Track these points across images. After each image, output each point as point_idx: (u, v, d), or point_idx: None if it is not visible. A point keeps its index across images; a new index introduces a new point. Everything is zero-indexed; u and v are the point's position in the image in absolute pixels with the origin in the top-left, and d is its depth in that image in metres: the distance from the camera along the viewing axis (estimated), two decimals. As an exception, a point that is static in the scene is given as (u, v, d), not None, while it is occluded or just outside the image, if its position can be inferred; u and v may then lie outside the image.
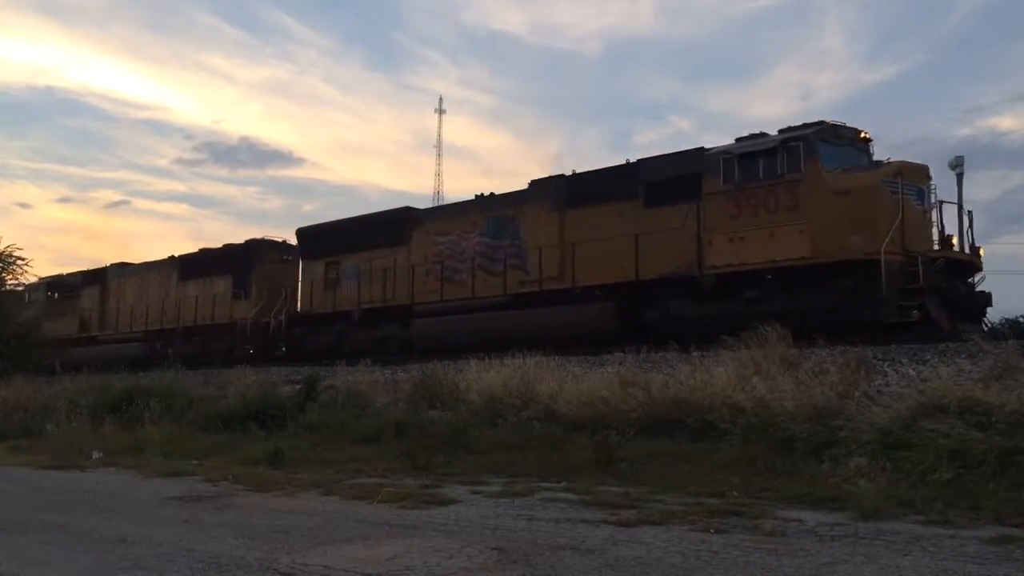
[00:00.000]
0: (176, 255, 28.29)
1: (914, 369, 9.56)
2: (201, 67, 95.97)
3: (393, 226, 20.99)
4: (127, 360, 23.74)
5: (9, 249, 28.72)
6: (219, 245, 26.95)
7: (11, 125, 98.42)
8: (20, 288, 31.25)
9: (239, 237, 31.45)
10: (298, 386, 14.44)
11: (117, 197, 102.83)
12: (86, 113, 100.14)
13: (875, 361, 10.01)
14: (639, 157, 16.94)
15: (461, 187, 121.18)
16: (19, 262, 28.90)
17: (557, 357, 13.07)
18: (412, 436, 10.50)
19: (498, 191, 20.08)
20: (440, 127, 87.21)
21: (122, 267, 30.13)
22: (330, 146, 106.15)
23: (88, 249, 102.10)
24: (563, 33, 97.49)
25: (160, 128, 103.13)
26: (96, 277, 30.52)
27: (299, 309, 23.24)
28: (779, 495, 6.78)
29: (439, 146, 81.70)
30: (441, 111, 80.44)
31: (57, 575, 5.20)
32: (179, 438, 13.00)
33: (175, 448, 12.26)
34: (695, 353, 11.53)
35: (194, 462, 11.06)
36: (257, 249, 25.50)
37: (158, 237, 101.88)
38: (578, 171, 18.08)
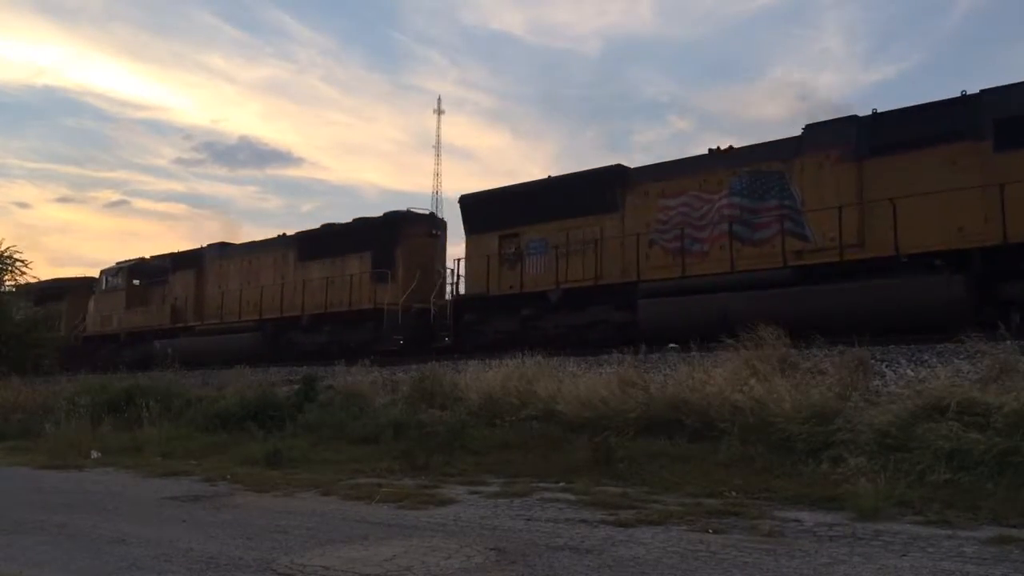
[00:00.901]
0: (288, 233, 24.60)
1: (912, 370, 9.57)
2: (200, 67, 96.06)
3: (596, 189, 17.31)
4: (236, 353, 21.31)
5: (9, 251, 28.68)
6: (346, 220, 22.93)
7: (10, 125, 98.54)
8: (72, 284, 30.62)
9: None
10: (296, 386, 14.43)
11: (116, 197, 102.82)
12: (85, 113, 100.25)
13: (873, 362, 10.01)
14: (982, 88, 13.00)
15: (461, 187, 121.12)
16: (19, 264, 28.87)
17: (555, 357, 13.09)
18: (411, 436, 10.50)
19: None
20: (439, 127, 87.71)
21: (222, 248, 26.39)
22: (329, 146, 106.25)
23: (88, 249, 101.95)
24: (562, 33, 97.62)
25: (159, 128, 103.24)
26: (190, 260, 26.64)
27: (464, 291, 19.30)
28: (777, 495, 6.79)
29: (438, 146, 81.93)
30: (440, 111, 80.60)
31: (55, 575, 5.19)
32: (178, 438, 12.99)
33: (173, 448, 12.25)
34: (694, 353, 11.52)
35: (192, 462, 11.05)
36: (400, 223, 21.39)
37: (157, 237, 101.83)
38: (879, 110, 14.28)
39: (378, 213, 22.45)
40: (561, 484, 7.88)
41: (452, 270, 20.04)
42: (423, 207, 22.58)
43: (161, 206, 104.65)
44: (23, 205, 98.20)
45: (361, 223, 22.27)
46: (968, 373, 8.70)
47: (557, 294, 17.10)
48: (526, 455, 9.34)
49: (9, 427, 16.66)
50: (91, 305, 29.11)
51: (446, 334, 18.98)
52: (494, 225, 18.68)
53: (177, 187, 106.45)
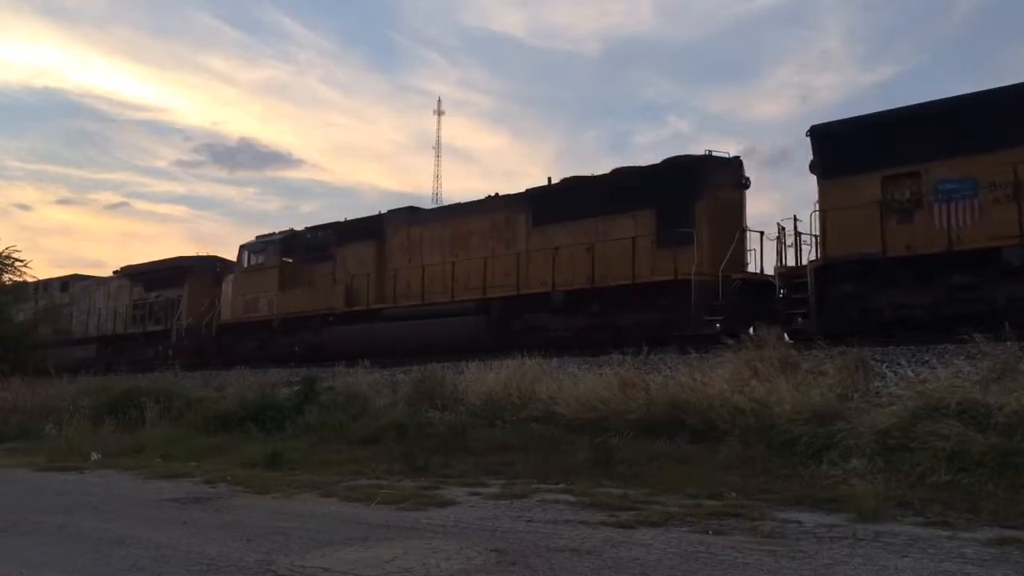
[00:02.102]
0: (500, 192, 19.83)
1: (913, 370, 9.57)
2: (200, 68, 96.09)
3: None
4: (446, 342, 17.17)
5: (8, 251, 28.69)
6: (600, 172, 17.98)
7: (9, 126, 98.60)
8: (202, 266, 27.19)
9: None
10: (296, 387, 14.43)
11: (116, 199, 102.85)
12: (85, 114, 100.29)
13: (874, 362, 10.02)
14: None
15: (461, 188, 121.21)
16: (17, 264, 28.87)
17: (556, 358, 13.08)
18: (411, 437, 10.50)
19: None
20: (439, 128, 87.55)
21: (411, 213, 21.62)
22: (329, 147, 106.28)
23: (89, 251, 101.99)
24: (562, 34, 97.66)
25: (159, 129, 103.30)
26: (365, 230, 21.87)
27: (823, 254, 14.04)
28: (778, 496, 6.79)
29: (438, 147, 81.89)
30: (440, 112, 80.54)
31: (55, 577, 5.19)
32: (178, 439, 12.99)
33: (174, 450, 12.25)
34: (693, 354, 11.52)
35: (192, 464, 11.05)
36: (699, 169, 16.25)
37: (157, 238, 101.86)
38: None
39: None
40: (561, 485, 7.88)
41: (784, 228, 15.10)
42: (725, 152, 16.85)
43: (161, 208, 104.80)
44: (23, 207, 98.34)
45: (631, 173, 17.12)
46: (969, 374, 8.69)
47: (1019, 254, 11.92)
48: (526, 456, 9.34)
49: (9, 428, 16.66)
50: (227, 288, 24.76)
51: (799, 312, 14.12)
52: (876, 162, 13.47)
53: (177, 189, 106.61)
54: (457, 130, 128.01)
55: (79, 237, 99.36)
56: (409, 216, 21.35)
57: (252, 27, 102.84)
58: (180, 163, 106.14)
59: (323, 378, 14.85)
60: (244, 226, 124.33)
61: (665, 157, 16.71)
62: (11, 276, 28.86)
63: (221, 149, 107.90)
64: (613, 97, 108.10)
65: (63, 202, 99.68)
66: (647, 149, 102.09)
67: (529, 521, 6.36)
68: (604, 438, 8.97)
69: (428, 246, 20.38)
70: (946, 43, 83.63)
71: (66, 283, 32.15)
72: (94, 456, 12.36)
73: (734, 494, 6.96)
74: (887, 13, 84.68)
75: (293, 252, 23.72)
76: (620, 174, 17.35)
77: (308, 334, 21.91)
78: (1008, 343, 9.22)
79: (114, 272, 30.61)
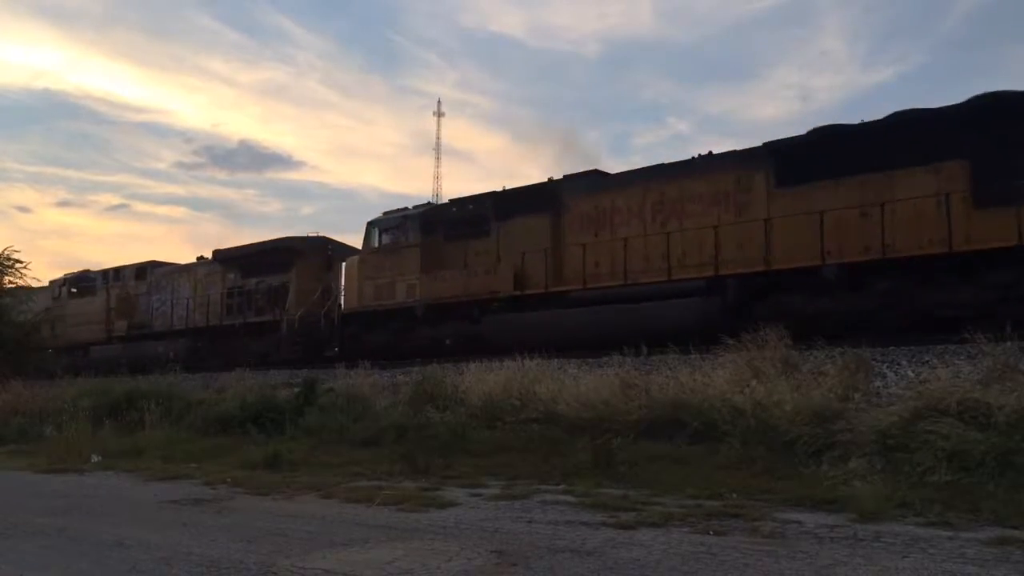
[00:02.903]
0: (738, 148, 16.12)
1: (913, 370, 9.57)
2: (200, 70, 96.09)
3: None
4: (667, 331, 13.29)
5: (7, 252, 28.68)
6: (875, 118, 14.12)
7: (9, 128, 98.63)
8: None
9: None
10: (297, 389, 14.43)
11: (116, 201, 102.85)
12: (85, 116, 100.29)
13: (874, 363, 10.02)
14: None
15: (461, 190, 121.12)
16: (17, 265, 28.85)
17: (555, 359, 13.07)
18: (411, 439, 10.50)
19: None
20: (439, 130, 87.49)
21: (597, 178, 17.92)
22: (329, 149, 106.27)
23: (89, 253, 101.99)
24: (562, 35, 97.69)
25: (159, 131, 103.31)
26: (536, 200, 17.95)
27: None
28: (778, 497, 6.79)
29: (438, 149, 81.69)
30: (440, 114, 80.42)
31: (55, 579, 5.19)
32: (178, 441, 13.00)
33: (174, 451, 12.25)
34: (695, 355, 11.52)
35: (193, 465, 11.05)
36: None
37: (157, 240, 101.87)
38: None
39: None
40: (562, 486, 7.88)
41: None
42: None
43: (161, 209, 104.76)
44: (23, 209, 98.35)
45: (925, 117, 13.46)
46: (969, 374, 8.69)
47: None
48: (527, 457, 9.34)
49: (9, 430, 16.67)
50: (351, 271, 21.45)
51: None
52: None
53: (177, 190, 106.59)
54: (457, 131, 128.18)
55: (79, 239, 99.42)
56: (594, 182, 17.52)
57: (252, 29, 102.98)
58: (180, 165, 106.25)
59: (323, 380, 14.85)
60: (244, 228, 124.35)
61: (974, 95, 13.13)
62: (11, 278, 28.85)
63: (221, 151, 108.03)
64: (613, 98, 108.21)
65: (63, 204, 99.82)
66: (647, 150, 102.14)
67: (530, 522, 6.36)
68: (605, 439, 8.97)
69: (623, 216, 16.59)
70: (946, 44, 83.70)
71: (143, 270, 28.55)
72: (94, 458, 12.35)
73: (735, 495, 6.96)
74: (887, 13, 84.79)
75: (435, 228, 19.76)
76: (907, 118, 13.66)
77: (462, 324, 18.22)
78: (1009, 343, 9.22)
79: (198, 258, 27.11)
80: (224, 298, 24.70)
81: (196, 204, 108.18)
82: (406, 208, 20.91)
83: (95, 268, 31.66)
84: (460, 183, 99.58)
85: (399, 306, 19.71)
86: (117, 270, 29.30)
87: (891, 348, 10.81)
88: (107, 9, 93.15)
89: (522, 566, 4.90)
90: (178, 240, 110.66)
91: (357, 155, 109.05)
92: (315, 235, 24.40)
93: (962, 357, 9.61)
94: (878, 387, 9.18)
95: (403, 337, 19.36)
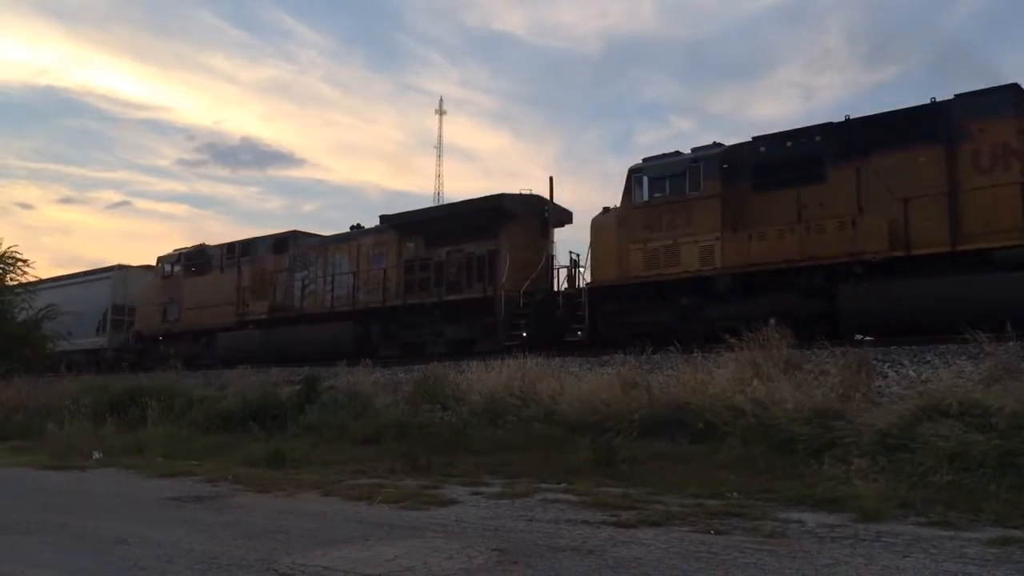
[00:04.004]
0: None
1: (914, 370, 9.57)
2: (202, 67, 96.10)
3: None
4: None
5: (10, 251, 28.72)
6: None
7: (11, 125, 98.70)
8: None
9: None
10: (298, 386, 14.44)
11: (118, 198, 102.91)
12: (87, 113, 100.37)
13: (875, 362, 10.01)
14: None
15: (462, 188, 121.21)
16: (19, 264, 28.90)
17: (557, 358, 13.07)
18: (413, 437, 10.51)
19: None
20: (441, 128, 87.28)
21: (1019, 96, 12.89)
22: (331, 146, 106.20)
23: (90, 250, 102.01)
24: (564, 33, 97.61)
25: (161, 128, 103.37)
26: (909, 129, 13.55)
27: None
28: (779, 496, 6.78)
29: (439, 147, 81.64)
30: (441, 112, 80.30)
31: (57, 575, 5.19)
32: (179, 438, 13.01)
33: (175, 448, 12.27)
34: (696, 354, 11.51)
35: (194, 462, 11.07)
36: None
37: (158, 237, 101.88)
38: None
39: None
40: (563, 485, 7.88)
41: None
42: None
43: (163, 206, 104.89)
44: (25, 206, 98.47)
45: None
46: (971, 374, 8.69)
47: None
48: (528, 456, 9.34)
49: (11, 427, 16.69)
50: (603, 232, 16.56)
51: None
52: None
53: (179, 188, 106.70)
54: (459, 129, 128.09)
55: (81, 236, 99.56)
56: (1015, 101, 12.86)
57: (254, 26, 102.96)
58: (182, 162, 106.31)
59: (324, 377, 14.86)
60: (246, 225, 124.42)
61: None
62: (14, 276, 28.90)
63: (223, 148, 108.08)
64: (615, 97, 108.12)
65: (65, 201, 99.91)
66: (649, 149, 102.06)
67: (530, 520, 6.36)
68: (606, 438, 8.97)
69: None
70: (948, 43, 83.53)
71: (282, 242, 23.69)
72: (96, 455, 12.37)
73: (735, 494, 6.96)
74: (889, 12, 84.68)
75: (738, 174, 15.27)
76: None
77: (793, 297, 14.09)
78: (1011, 343, 9.21)
79: (352, 227, 22.69)
80: (402, 272, 20.01)
81: (198, 201, 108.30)
82: (677, 152, 16.20)
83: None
84: (462, 181, 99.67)
85: (685, 276, 15.17)
86: (247, 243, 24.64)
87: (893, 347, 10.80)
88: (109, 6, 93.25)
89: (523, 564, 4.90)
90: (180, 237, 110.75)
91: (359, 153, 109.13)
92: (529, 192, 19.12)
93: (963, 357, 9.60)
94: (879, 387, 9.18)
95: (692, 316, 14.96)
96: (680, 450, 8.85)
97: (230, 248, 24.95)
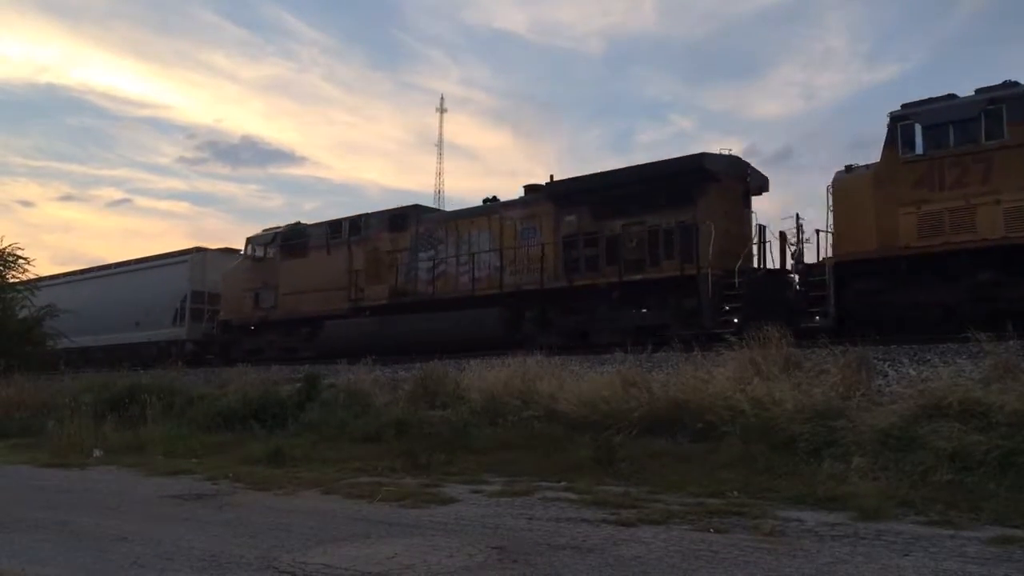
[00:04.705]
0: None
1: (915, 369, 9.56)
2: (203, 65, 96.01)
3: None
4: None
5: (10, 248, 28.71)
6: None
7: (12, 123, 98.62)
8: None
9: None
10: (299, 384, 14.44)
11: (119, 195, 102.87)
12: (87, 111, 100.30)
13: (876, 361, 10.01)
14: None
15: (463, 186, 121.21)
16: (20, 261, 28.89)
17: (558, 356, 13.07)
18: (413, 435, 10.51)
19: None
20: (441, 126, 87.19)
21: None
22: (331, 144, 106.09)
23: (91, 248, 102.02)
24: (565, 32, 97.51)
25: (162, 126, 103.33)
26: None
27: None
28: (779, 495, 6.79)
29: (440, 145, 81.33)
30: (442, 110, 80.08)
31: (57, 573, 5.19)
32: (180, 436, 12.99)
33: (176, 446, 12.26)
34: (696, 352, 11.50)
35: (194, 460, 11.06)
36: None
37: (159, 235, 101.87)
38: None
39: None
40: (563, 483, 7.88)
41: None
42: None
43: (163, 204, 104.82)
44: (26, 203, 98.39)
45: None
46: (971, 372, 8.69)
47: None
48: (528, 454, 9.34)
49: (11, 425, 16.69)
50: (852, 194, 13.86)
51: None
52: None
53: (179, 185, 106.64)
54: (459, 128, 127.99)
55: (81, 234, 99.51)
56: None
57: (254, 24, 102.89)
58: (183, 160, 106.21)
59: (325, 375, 14.86)
60: (247, 223, 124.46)
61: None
62: (15, 274, 28.89)
63: (224, 146, 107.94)
64: (615, 95, 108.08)
65: (65, 199, 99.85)
66: (650, 148, 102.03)
67: (531, 519, 6.36)
68: (606, 436, 8.97)
69: None
70: (949, 41, 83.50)
71: (400, 219, 20.74)
72: (96, 453, 12.38)
73: (735, 492, 6.97)
74: (890, 11, 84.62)
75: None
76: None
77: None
78: (1011, 342, 9.21)
79: (486, 200, 19.68)
80: (560, 250, 17.27)
81: (198, 199, 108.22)
82: (952, 95, 13.45)
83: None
84: (463, 179, 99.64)
85: (989, 246, 12.29)
86: (357, 220, 21.64)
87: (893, 346, 10.81)
88: (110, 4, 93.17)
89: (523, 563, 4.91)
90: (180, 235, 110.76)
91: (359, 151, 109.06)
92: (728, 154, 16.26)
93: (963, 356, 9.60)
94: (879, 385, 9.17)
95: (987, 296, 12.33)
96: (680, 449, 8.86)
97: (334, 226, 22.03)
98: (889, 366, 9.97)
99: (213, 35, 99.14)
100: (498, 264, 18.15)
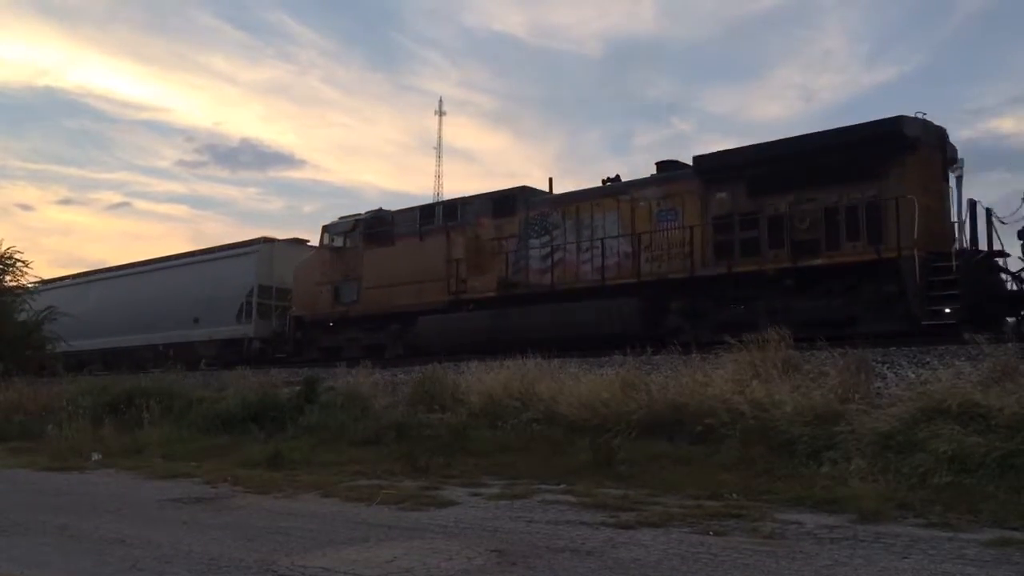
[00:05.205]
0: None
1: (914, 372, 9.57)
2: (202, 68, 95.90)
3: None
4: None
5: (9, 251, 28.69)
6: None
7: (10, 126, 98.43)
8: None
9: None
10: (298, 387, 14.44)
11: (118, 199, 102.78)
12: (86, 114, 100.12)
13: (875, 363, 10.01)
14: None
15: (462, 188, 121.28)
16: (19, 264, 28.87)
17: (557, 359, 13.07)
18: (412, 438, 10.50)
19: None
20: (440, 128, 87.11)
21: None
22: (330, 147, 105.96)
23: (90, 251, 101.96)
24: (564, 34, 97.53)
25: (161, 129, 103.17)
26: None
27: None
28: (778, 497, 6.79)
29: (439, 148, 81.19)
30: (441, 112, 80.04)
31: (56, 576, 5.19)
32: (179, 440, 12.99)
33: (174, 450, 12.26)
34: (695, 355, 11.51)
35: (193, 464, 11.06)
36: None
37: (158, 238, 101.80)
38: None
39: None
40: (562, 486, 7.88)
41: None
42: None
43: (162, 207, 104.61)
44: (25, 207, 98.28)
45: None
46: (970, 375, 8.69)
47: None
48: (527, 457, 9.35)
49: (10, 428, 16.67)
50: None
51: None
52: None
53: (179, 189, 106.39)
54: (458, 130, 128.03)
55: (80, 237, 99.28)
56: None
57: (253, 27, 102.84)
58: (182, 163, 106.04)
59: (324, 378, 14.85)
60: (246, 226, 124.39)
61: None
62: (14, 278, 28.87)
63: (223, 149, 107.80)
64: (614, 97, 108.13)
65: (64, 202, 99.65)
66: (649, 150, 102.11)
67: (530, 521, 6.36)
68: (605, 439, 8.97)
69: None
70: (948, 43, 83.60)
71: (507, 201, 18.51)
72: (95, 456, 12.37)
73: (735, 495, 6.97)
74: (889, 13, 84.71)
75: None
76: None
77: None
78: (1009, 344, 9.21)
79: (606, 181, 17.64)
80: (711, 232, 15.20)
81: (197, 202, 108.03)
82: None
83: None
84: (462, 182, 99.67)
85: None
86: (451, 204, 19.96)
87: (892, 349, 10.81)
88: (108, 6, 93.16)
89: (522, 565, 4.91)
90: (179, 238, 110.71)
91: (359, 153, 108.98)
92: (922, 115, 13.88)
93: (963, 358, 9.60)
94: (879, 388, 9.18)
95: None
96: (679, 451, 8.85)
97: (426, 212, 20.24)
98: (888, 368, 9.98)
99: (212, 38, 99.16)
100: (629, 250, 16.16)
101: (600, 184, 17.65)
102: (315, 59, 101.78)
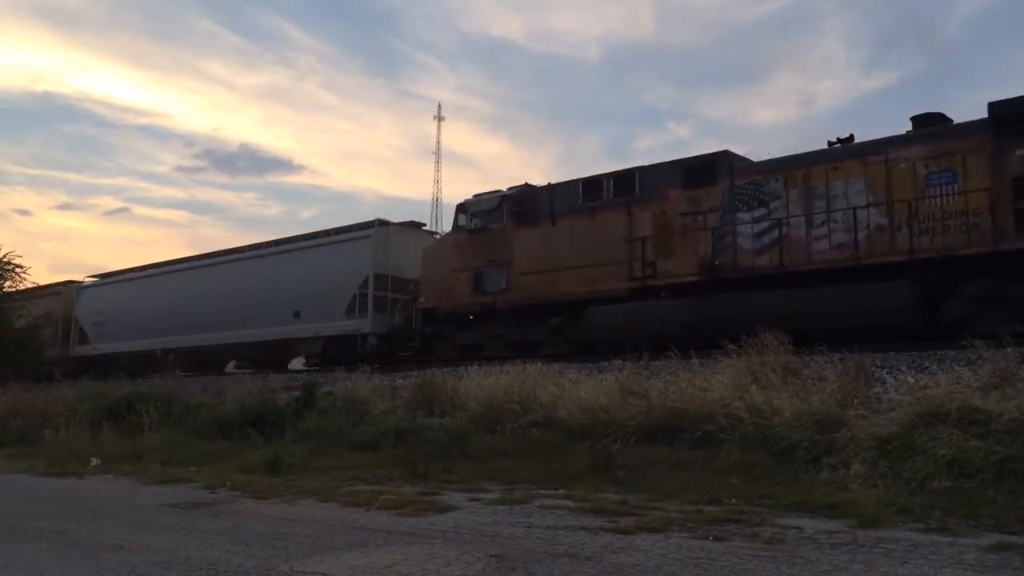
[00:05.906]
0: None
1: (913, 376, 9.57)
2: (200, 74, 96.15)
3: None
4: None
5: (8, 256, 28.71)
6: None
7: (9, 131, 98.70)
8: None
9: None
10: (296, 393, 14.43)
11: (116, 204, 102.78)
12: (85, 119, 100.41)
13: (874, 368, 10.01)
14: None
15: (461, 193, 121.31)
16: (17, 269, 28.89)
17: (556, 363, 13.07)
18: (411, 443, 10.49)
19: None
20: (439, 134, 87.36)
21: None
22: (329, 152, 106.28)
23: (89, 257, 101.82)
24: (562, 39, 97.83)
25: (159, 135, 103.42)
26: None
27: None
28: (778, 502, 6.78)
29: (438, 152, 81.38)
30: (440, 118, 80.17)
31: (54, 582, 5.18)
32: (177, 445, 12.98)
33: (173, 455, 12.24)
34: (694, 360, 11.50)
35: (192, 469, 11.04)
36: None
37: (156, 244, 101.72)
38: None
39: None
40: (561, 491, 7.87)
41: None
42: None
43: (161, 213, 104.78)
44: (23, 212, 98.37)
45: None
46: (969, 380, 8.69)
47: None
48: (526, 462, 9.33)
49: (9, 434, 16.65)
50: None
51: None
52: None
53: (177, 194, 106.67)
54: (457, 135, 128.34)
55: (79, 242, 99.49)
56: None
57: (252, 32, 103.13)
58: (180, 168, 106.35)
59: (322, 383, 14.85)
60: (244, 231, 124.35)
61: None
62: (12, 283, 28.88)
63: (221, 154, 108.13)
64: (613, 102, 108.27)
65: (63, 207, 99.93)
66: (647, 154, 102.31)
67: (529, 527, 6.35)
68: (604, 444, 8.97)
69: None
70: (946, 48, 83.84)
71: (705, 169, 15.58)
72: (93, 461, 12.35)
73: (734, 500, 6.96)
74: (887, 18, 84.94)
75: None
76: None
77: None
78: (1008, 349, 9.21)
79: (833, 142, 14.78)
80: (1010, 197, 12.34)
81: (196, 208, 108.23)
82: None
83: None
84: (460, 187, 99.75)
85: None
86: (625, 175, 16.77)
87: (891, 354, 10.81)
88: (107, 12, 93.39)
89: (521, 570, 4.90)
90: (178, 244, 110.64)
91: (357, 159, 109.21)
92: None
93: (962, 363, 9.60)
94: (878, 393, 9.18)
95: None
96: (679, 456, 8.84)
97: (591, 185, 17.09)
98: (888, 373, 9.98)
99: (211, 43, 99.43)
100: (886, 222, 13.30)
101: (827, 147, 14.68)
102: (314, 64, 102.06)
